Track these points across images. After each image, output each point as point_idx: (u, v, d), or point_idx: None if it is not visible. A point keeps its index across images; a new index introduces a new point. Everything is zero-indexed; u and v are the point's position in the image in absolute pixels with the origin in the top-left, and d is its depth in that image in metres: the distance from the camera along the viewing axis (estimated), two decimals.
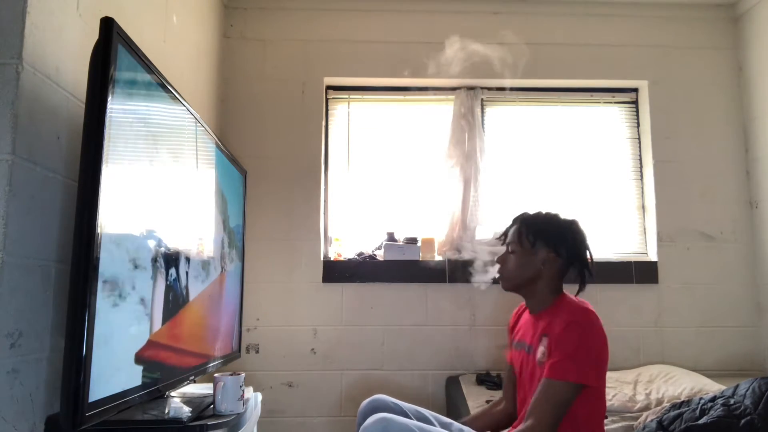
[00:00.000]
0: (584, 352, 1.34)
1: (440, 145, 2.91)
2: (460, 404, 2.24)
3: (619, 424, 1.96)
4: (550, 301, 1.51)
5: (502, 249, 1.62)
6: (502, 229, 1.63)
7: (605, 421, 1.97)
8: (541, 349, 1.43)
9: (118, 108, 1.19)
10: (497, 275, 1.59)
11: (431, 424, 1.60)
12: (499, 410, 1.71)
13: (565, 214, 1.57)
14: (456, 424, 1.65)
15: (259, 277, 2.72)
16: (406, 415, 1.63)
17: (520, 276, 1.52)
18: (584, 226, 1.56)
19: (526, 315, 1.62)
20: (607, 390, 2.20)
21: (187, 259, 1.65)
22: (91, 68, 1.16)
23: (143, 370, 1.31)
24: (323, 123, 2.91)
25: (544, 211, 1.58)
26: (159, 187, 1.46)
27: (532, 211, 1.59)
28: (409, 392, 2.64)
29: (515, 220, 1.59)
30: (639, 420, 1.97)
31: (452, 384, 2.56)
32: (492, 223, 2.85)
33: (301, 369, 2.69)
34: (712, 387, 2.17)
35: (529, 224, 1.54)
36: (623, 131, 3.05)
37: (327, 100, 2.99)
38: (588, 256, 1.53)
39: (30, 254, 1.21)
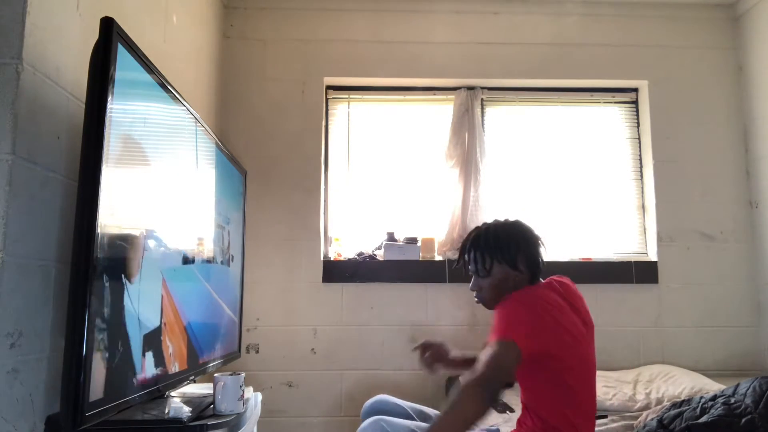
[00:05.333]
0: (511, 316, 1.33)
1: (440, 145, 2.91)
2: None
3: (619, 424, 1.96)
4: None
5: None
6: (456, 257, 1.61)
7: (605, 420, 1.98)
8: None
9: (118, 108, 1.19)
10: (476, 301, 1.57)
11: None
12: None
13: (500, 222, 1.53)
14: None
15: (259, 277, 2.72)
16: (408, 415, 1.64)
17: (496, 296, 1.48)
18: (528, 224, 1.53)
19: None
20: (606, 390, 2.21)
21: (187, 259, 1.65)
22: (91, 68, 1.16)
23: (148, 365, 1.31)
24: (323, 123, 2.91)
25: (483, 226, 1.54)
26: (159, 187, 1.46)
27: (474, 230, 1.56)
28: (409, 392, 2.63)
29: (462, 248, 1.57)
30: (639, 419, 1.97)
31: (452, 384, 2.56)
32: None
33: (301, 369, 2.69)
34: (712, 386, 2.17)
35: (480, 248, 1.50)
36: (623, 131, 3.05)
37: (327, 100, 2.99)
38: (542, 253, 1.50)
39: (30, 254, 1.21)
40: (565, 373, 1.36)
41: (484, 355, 1.25)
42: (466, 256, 1.55)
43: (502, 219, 1.54)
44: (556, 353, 1.34)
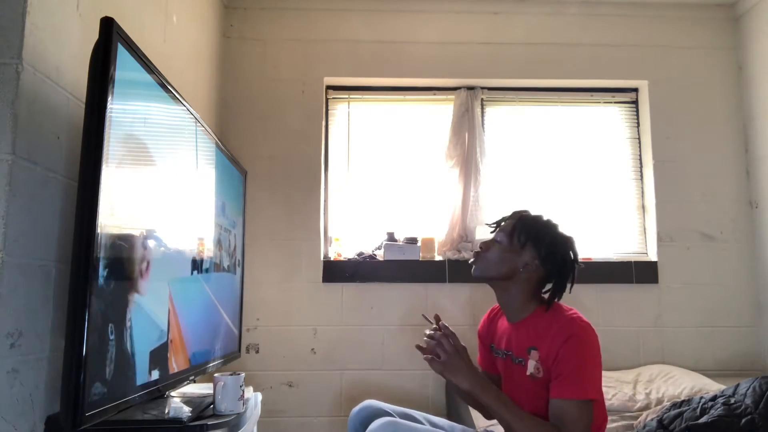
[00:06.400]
0: (591, 367, 1.31)
1: (440, 145, 2.91)
2: (460, 405, 2.24)
3: (619, 423, 1.96)
4: (530, 310, 1.44)
5: None
6: (498, 218, 1.55)
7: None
8: (532, 363, 1.37)
9: (118, 108, 1.19)
10: (471, 259, 1.51)
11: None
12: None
13: (563, 229, 1.49)
14: (446, 424, 1.64)
15: (259, 277, 2.72)
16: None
17: (496, 269, 1.45)
18: (578, 248, 1.47)
19: (503, 322, 1.55)
20: (606, 390, 2.21)
21: (187, 259, 1.65)
22: (91, 68, 1.16)
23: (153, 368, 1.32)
24: (323, 123, 2.91)
25: (546, 217, 1.50)
26: (159, 187, 1.46)
27: (534, 212, 1.53)
28: (409, 393, 2.64)
29: (514, 214, 1.52)
30: (639, 419, 1.97)
31: (452, 384, 2.55)
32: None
33: (301, 369, 2.69)
34: (711, 386, 2.17)
35: (526, 223, 1.46)
36: (623, 131, 3.05)
37: (327, 100, 2.98)
38: (570, 277, 1.45)
39: (30, 254, 1.21)
40: (602, 411, 1.40)
41: (568, 415, 1.26)
42: (507, 221, 1.50)
43: (560, 227, 1.50)
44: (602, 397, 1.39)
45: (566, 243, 1.46)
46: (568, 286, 1.46)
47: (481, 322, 1.69)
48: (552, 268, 1.43)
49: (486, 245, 1.50)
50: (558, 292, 1.44)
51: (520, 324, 1.45)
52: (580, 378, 1.28)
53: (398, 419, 1.47)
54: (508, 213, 1.55)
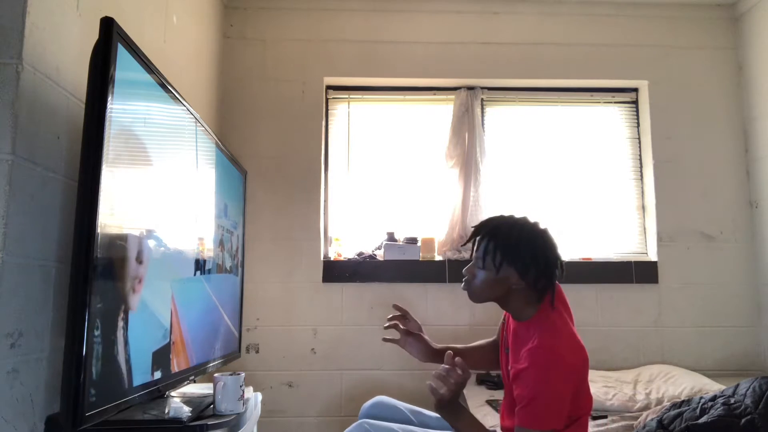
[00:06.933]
0: (547, 398, 1.25)
1: (440, 145, 2.91)
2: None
3: (619, 424, 1.96)
4: (532, 312, 1.40)
5: None
6: (456, 257, 1.53)
7: (605, 420, 1.98)
8: (515, 366, 1.34)
9: (118, 108, 1.19)
10: (463, 286, 1.46)
11: (432, 426, 1.60)
12: (489, 342, 1.69)
13: (534, 220, 1.42)
14: None
15: (259, 277, 2.72)
16: (406, 417, 1.64)
17: (488, 295, 1.41)
18: (553, 234, 1.41)
19: (513, 321, 1.52)
20: (606, 390, 2.21)
21: (190, 260, 1.65)
22: (91, 68, 1.16)
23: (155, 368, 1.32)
24: (323, 123, 2.91)
25: (513, 219, 1.42)
26: (158, 187, 1.46)
27: (501, 218, 1.44)
28: (409, 392, 2.64)
29: (480, 230, 1.44)
30: (639, 419, 1.97)
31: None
32: None
33: (301, 369, 2.69)
34: (712, 386, 2.17)
35: (494, 241, 1.38)
36: (623, 131, 3.05)
37: (327, 100, 2.98)
38: (557, 272, 1.39)
39: (30, 254, 1.21)
40: (581, 409, 1.36)
41: None
42: (478, 240, 1.43)
43: (531, 220, 1.42)
44: (584, 405, 1.36)
45: (542, 245, 1.39)
46: (554, 279, 1.40)
47: (501, 323, 1.64)
48: (535, 276, 1.36)
49: (470, 270, 1.44)
50: (548, 289, 1.39)
51: (523, 324, 1.43)
52: (535, 410, 1.24)
53: (372, 421, 1.49)
54: (474, 230, 1.47)
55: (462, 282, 1.46)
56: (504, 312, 1.64)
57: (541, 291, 1.38)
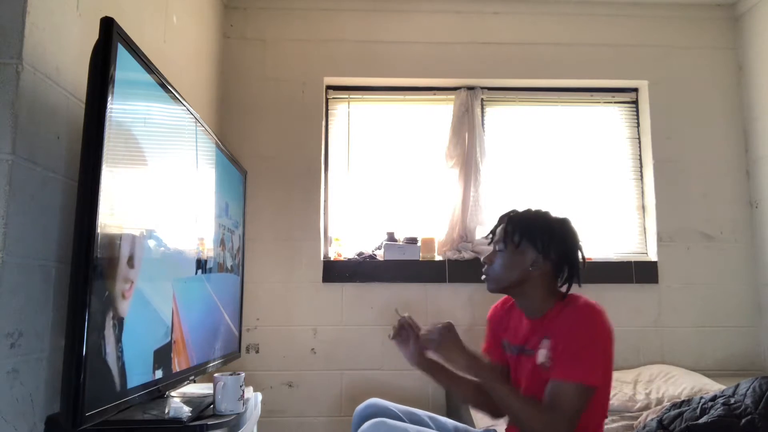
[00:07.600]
0: (593, 351, 1.29)
1: (440, 145, 2.91)
2: (461, 405, 2.24)
3: (619, 424, 1.96)
4: (550, 305, 1.42)
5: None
6: (491, 227, 1.54)
7: (605, 420, 1.98)
8: (543, 352, 1.36)
9: (118, 108, 1.19)
10: (483, 276, 1.50)
11: (427, 425, 1.59)
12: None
13: (556, 212, 1.47)
14: (450, 423, 1.64)
15: (259, 277, 2.72)
16: (400, 419, 1.62)
17: (507, 278, 1.43)
18: (576, 225, 1.46)
19: (517, 315, 1.54)
20: None
21: (191, 259, 1.65)
22: (91, 68, 1.15)
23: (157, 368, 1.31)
24: (323, 123, 2.91)
25: (533, 209, 1.48)
26: (159, 187, 1.46)
27: (521, 209, 1.50)
28: (409, 393, 2.64)
29: (502, 219, 1.50)
30: (639, 419, 1.97)
31: (453, 387, 2.55)
32: (492, 223, 2.85)
33: (301, 369, 2.69)
34: (712, 387, 2.17)
35: (516, 223, 1.44)
36: (623, 131, 3.05)
37: (327, 100, 2.98)
38: (580, 258, 1.44)
39: (30, 254, 1.21)
40: (604, 400, 1.38)
41: (561, 396, 1.26)
42: (501, 225, 1.48)
43: (552, 212, 1.47)
44: (605, 384, 1.36)
45: (562, 224, 1.44)
46: (578, 271, 1.43)
47: (493, 308, 1.65)
48: (556, 257, 1.41)
49: (489, 258, 1.49)
50: (573, 276, 1.43)
51: (542, 320, 1.43)
52: (580, 361, 1.27)
53: (387, 420, 1.47)
54: (497, 221, 1.53)
55: (482, 275, 1.51)
56: (499, 302, 1.64)
57: (565, 277, 1.42)
